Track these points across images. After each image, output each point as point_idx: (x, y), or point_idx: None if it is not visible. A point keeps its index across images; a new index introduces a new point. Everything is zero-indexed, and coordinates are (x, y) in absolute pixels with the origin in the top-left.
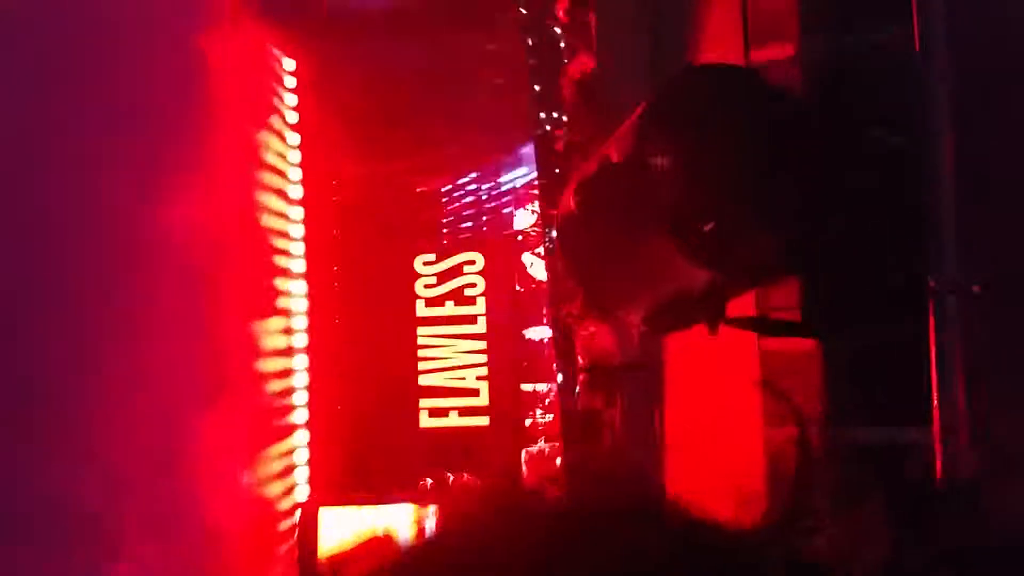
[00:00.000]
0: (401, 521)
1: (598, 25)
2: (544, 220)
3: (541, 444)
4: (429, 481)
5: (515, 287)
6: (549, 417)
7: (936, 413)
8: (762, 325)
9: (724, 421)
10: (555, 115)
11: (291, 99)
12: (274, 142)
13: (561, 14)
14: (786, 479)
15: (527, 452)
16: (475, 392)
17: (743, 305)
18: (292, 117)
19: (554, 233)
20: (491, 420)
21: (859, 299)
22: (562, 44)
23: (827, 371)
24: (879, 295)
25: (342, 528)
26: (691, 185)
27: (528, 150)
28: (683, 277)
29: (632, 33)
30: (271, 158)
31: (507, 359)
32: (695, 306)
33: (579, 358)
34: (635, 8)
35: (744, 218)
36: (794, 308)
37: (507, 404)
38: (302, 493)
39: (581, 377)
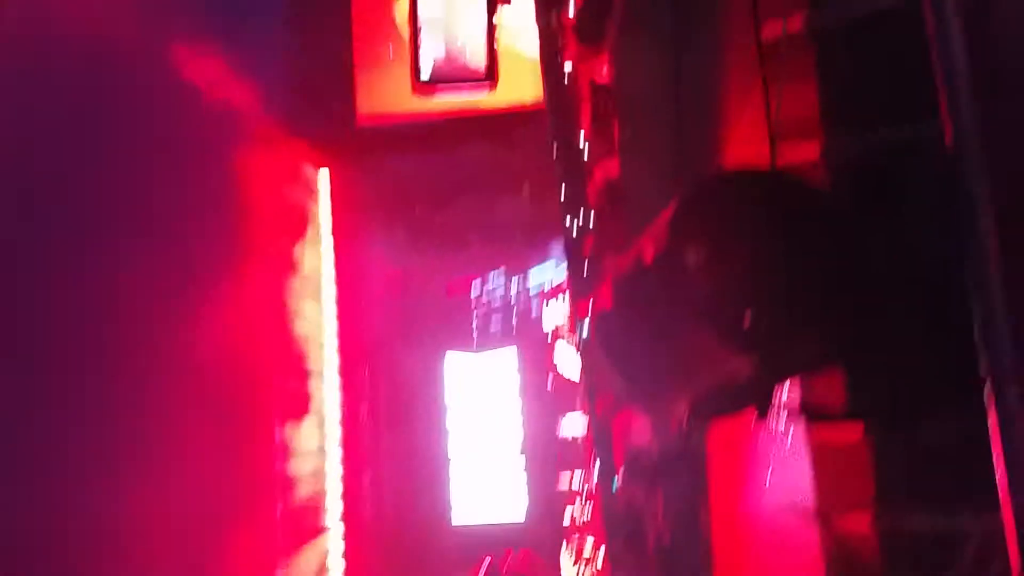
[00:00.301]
0: None
1: (621, 132)
2: (574, 318)
3: (580, 540)
4: None
5: (547, 385)
6: (587, 513)
7: (1009, 501)
8: (811, 412)
9: (774, 514)
10: (581, 218)
11: (324, 207)
12: (308, 248)
13: (585, 124)
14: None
15: (567, 546)
16: (509, 488)
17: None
18: (326, 224)
19: (586, 330)
20: (527, 516)
21: (910, 391)
22: (586, 152)
23: (877, 460)
24: (931, 389)
25: None
26: (725, 282)
27: (555, 251)
28: (725, 367)
29: (655, 137)
30: (306, 263)
31: (542, 455)
32: (741, 393)
33: (615, 452)
34: (657, 114)
35: (777, 314)
36: (838, 399)
37: (543, 500)
38: None
39: (620, 470)
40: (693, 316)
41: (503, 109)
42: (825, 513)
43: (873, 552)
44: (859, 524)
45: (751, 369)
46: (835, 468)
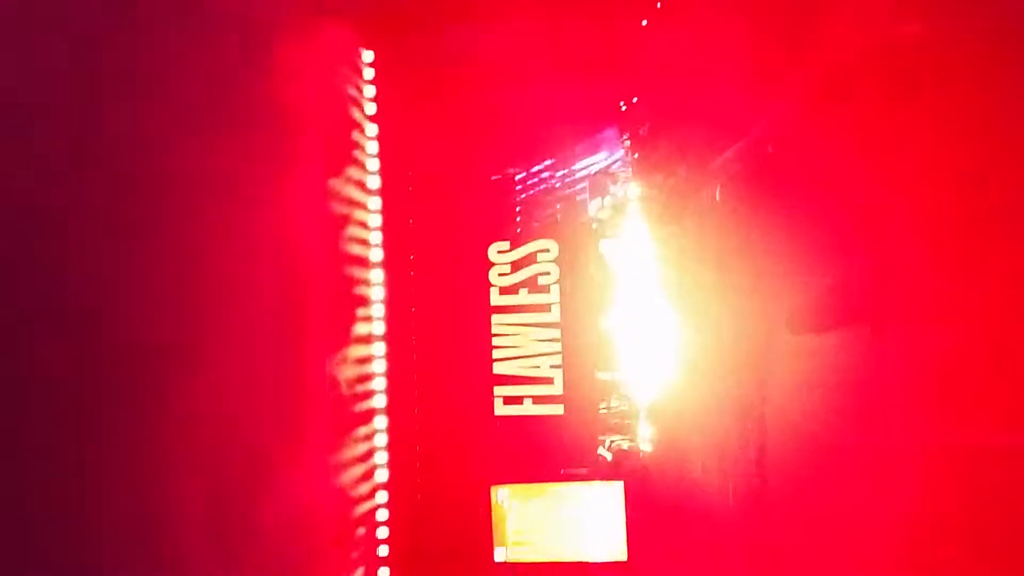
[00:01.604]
0: None
1: None
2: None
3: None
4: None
5: (590, 275)
6: (624, 407)
7: None
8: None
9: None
10: (635, 100)
11: (369, 90)
12: (354, 133)
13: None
14: None
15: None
16: (549, 380)
17: None
18: (370, 108)
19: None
20: (565, 409)
21: None
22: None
23: None
24: None
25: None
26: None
27: (606, 137)
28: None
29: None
30: (350, 150)
31: (581, 347)
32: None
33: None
34: None
35: None
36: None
37: (582, 393)
38: (382, 476)
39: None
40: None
41: None
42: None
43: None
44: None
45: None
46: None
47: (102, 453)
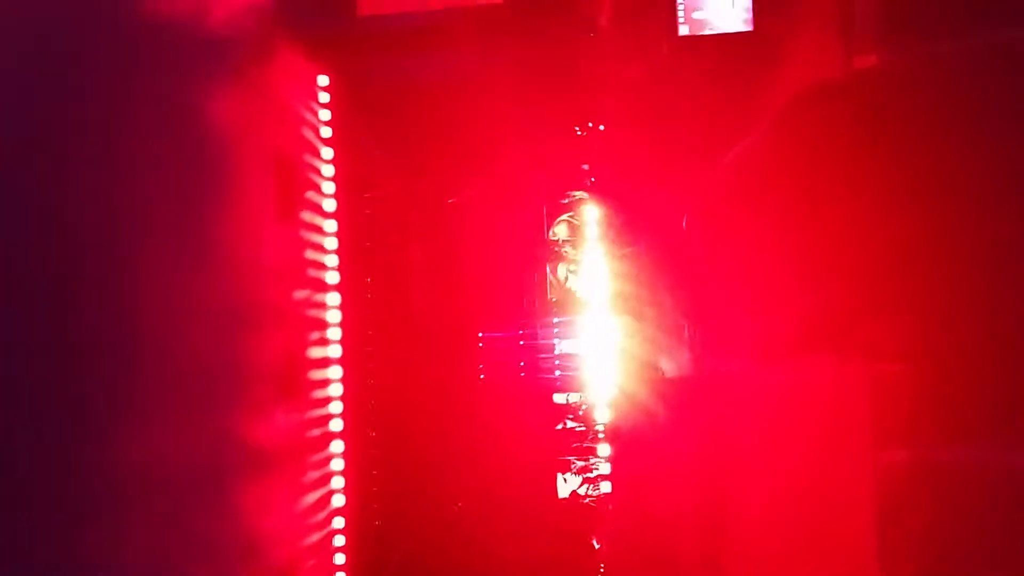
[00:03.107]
0: None
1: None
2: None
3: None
4: None
5: (547, 298)
6: (581, 428)
7: None
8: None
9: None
10: (591, 125)
11: (324, 114)
12: (308, 157)
13: (604, 23)
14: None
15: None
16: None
17: None
18: (326, 132)
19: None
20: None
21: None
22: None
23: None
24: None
25: None
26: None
27: (565, 161)
28: (808, 307)
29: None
30: (306, 172)
31: (540, 367)
32: (822, 334)
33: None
34: None
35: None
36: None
37: (541, 414)
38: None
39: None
40: (785, 241)
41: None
42: (876, 446)
43: (918, 484)
44: (905, 457)
45: (835, 305)
46: (886, 404)
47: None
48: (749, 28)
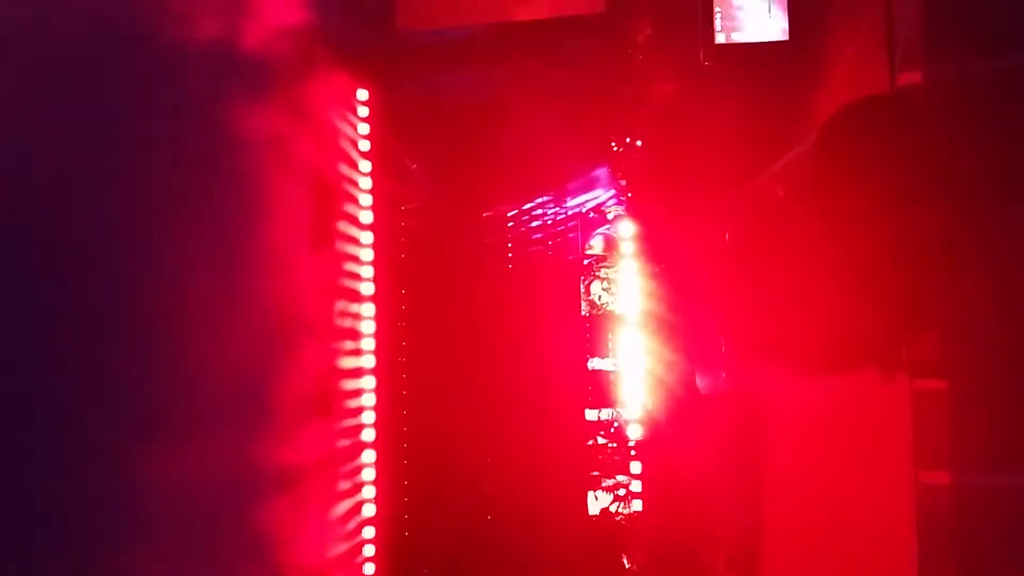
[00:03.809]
0: None
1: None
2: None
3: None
4: None
5: (580, 313)
6: (613, 444)
7: None
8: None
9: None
10: (628, 140)
11: (363, 128)
12: (346, 169)
13: (642, 39)
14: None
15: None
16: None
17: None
18: (364, 145)
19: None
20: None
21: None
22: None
23: (969, 418)
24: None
25: None
26: (868, 226)
27: (597, 175)
28: (856, 317)
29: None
30: (344, 185)
31: (572, 386)
32: (865, 346)
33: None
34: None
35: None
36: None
37: (572, 429)
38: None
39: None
40: (828, 255)
41: (555, 18)
42: (914, 467)
43: (957, 507)
44: (945, 479)
45: (879, 320)
46: (928, 423)
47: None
48: (785, 38)
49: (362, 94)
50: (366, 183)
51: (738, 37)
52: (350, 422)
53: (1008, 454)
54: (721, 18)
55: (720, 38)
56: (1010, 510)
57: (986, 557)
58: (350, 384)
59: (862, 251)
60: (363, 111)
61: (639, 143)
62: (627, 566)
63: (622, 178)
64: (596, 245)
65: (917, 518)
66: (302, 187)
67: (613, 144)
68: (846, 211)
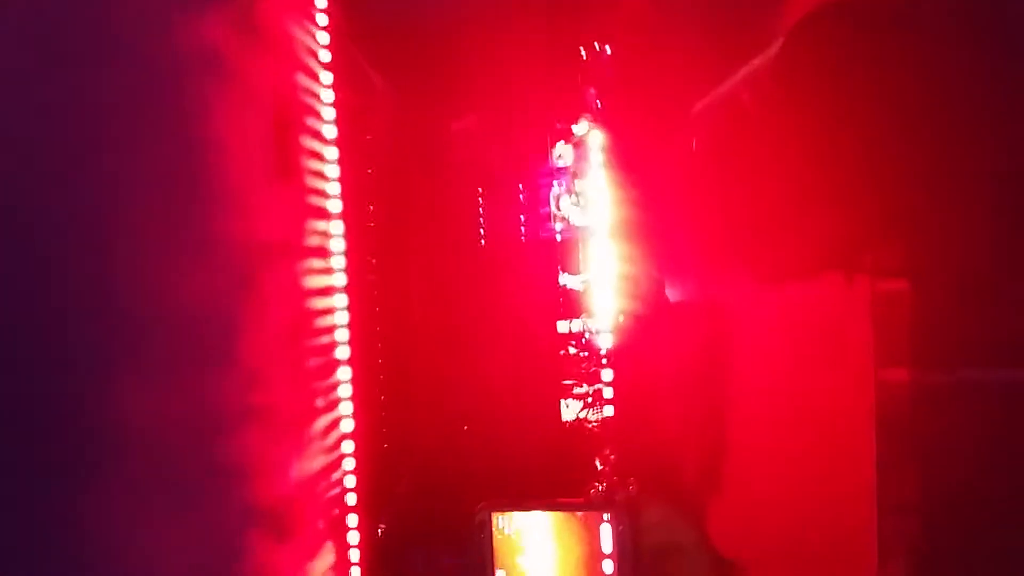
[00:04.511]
0: None
1: None
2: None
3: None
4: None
5: (550, 227)
6: (584, 354)
7: None
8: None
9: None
10: (597, 46)
11: (323, 37)
12: (307, 82)
13: None
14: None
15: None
16: None
17: None
18: (324, 56)
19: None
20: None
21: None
22: None
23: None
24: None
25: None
26: (834, 127)
27: (569, 83)
28: (820, 220)
29: None
30: (305, 99)
31: (544, 299)
32: (829, 248)
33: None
34: None
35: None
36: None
37: (545, 341)
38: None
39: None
40: (793, 163)
41: None
42: (877, 365)
43: (915, 403)
44: (904, 376)
45: (844, 226)
46: (888, 323)
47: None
48: None
49: (321, 1)
50: (328, 96)
51: None
52: (324, 340)
53: (963, 352)
54: None
55: None
56: (964, 406)
57: (940, 450)
58: (322, 303)
59: (826, 158)
60: (322, 19)
61: (608, 49)
62: (599, 467)
63: (592, 86)
64: (566, 155)
65: (876, 414)
66: (259, 104)
67: (582, 50)
68: (811, 117)
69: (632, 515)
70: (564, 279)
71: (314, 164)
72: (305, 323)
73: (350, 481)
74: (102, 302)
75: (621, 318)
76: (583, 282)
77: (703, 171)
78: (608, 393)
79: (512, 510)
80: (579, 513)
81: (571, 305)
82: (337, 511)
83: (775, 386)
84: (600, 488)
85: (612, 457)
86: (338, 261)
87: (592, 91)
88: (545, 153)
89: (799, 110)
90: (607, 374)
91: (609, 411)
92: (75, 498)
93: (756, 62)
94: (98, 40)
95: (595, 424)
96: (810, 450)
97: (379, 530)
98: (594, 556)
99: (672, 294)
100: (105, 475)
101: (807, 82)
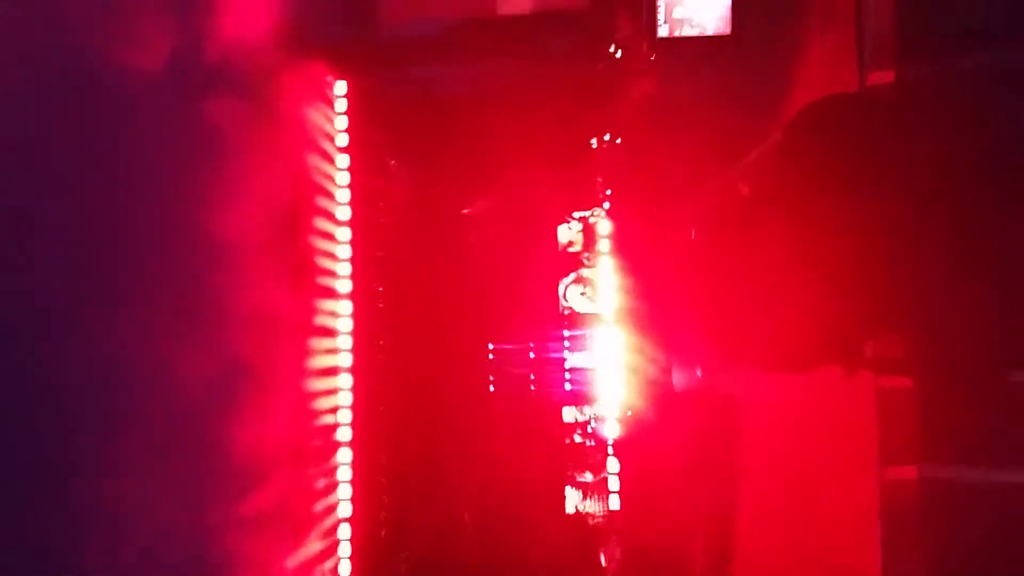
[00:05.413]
0: None
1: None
2: (587, 239)
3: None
4: None
5: (559, 310)
6: (591, 443)
7: None
8: (879, 365)
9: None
10: (608, 138)
11: (341, 122)
12: (323, 164)
13: (621, 38)
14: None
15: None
16: None
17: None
18: (342, 140)
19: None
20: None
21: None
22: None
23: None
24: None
25: None
26: (830, 223)
27: (578, 173)
28: (817, 313)
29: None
30: (320, 180)
31: (550, 381)
32: (828, 343)
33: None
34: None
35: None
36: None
37: (550, 428)
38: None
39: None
40: (793, 254)
41: (538, 12)
42: (880, 463)
43: (921, 503)
44: (910, 473)
45: (843, 318)
46: (893, 420)
47: None
48: (727, 31)
49: (340, 87)
50: (343, 178)
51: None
52: (326, 420)
53: (971, 450)
54: (665, 10)
55: (663, 31)
56: (973, 506)
57: (949, 552)
58: (326, 383)
59: (826, 249)
60: (341, 104)
61: (618, 141)
62: (604, 564)
63: (600, 175)
64: (576, 241)
65: (881, 513)
66: (277, 179)
67: (593, 141)
68: (810, 209)
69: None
70: (572, 360)
71: (326, 245)
72: (308, 401)
73: (345, 567)
74: (108, 370)
75: (628, 406)
76: (591, 363)
77: (702, 260)
78: (614, 484)
79: None
80: None
81: (579, 391)
82: None
83: (780, 481)
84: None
85: (617, 553)
86: (345, 342)
87: (600, 180)
88: (554, 239)
89: (798, 201)
90: (613, 464)
91: (615, 503)
92: None
93: (755, 153)
94: (115, 121)
95: (600, 517)
96: (815, 545)
97: None
98: None
99: (679, 383)
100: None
101: (806, 173)
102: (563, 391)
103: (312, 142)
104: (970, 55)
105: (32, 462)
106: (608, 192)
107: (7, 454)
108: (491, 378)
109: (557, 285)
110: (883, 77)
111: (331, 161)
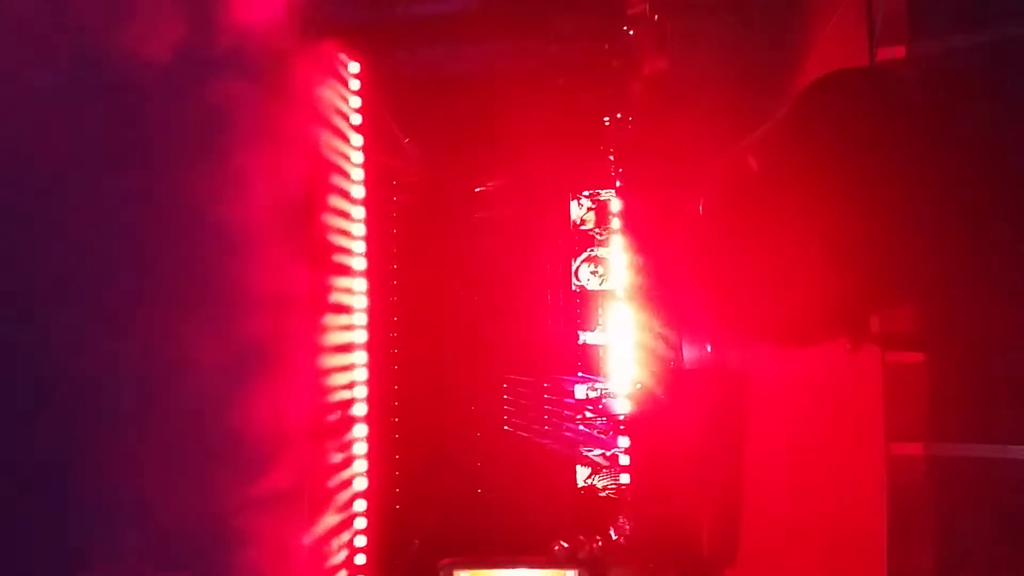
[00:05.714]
0: None
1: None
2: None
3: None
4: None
5: (571, 288)
6: (602, 419)
7: None
8: (888, 341)
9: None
10: (619, 115)
11: (355, 101)
12: (338, 144)
13: (632, 16)
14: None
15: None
16: None
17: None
18: (356, 119)
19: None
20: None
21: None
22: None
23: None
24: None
25: None
26: (840, 194)
27: (588, 152)
28: (825, 287)
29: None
30: (335, 159)
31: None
32: (835, 317)
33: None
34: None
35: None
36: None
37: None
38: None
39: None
40: (802, 228)
41: None
42: (888, 438)
43: (927, 478)
44: (916, 450)
45: (852, 292)
46: (900, 396)
47: None
48: None
49: (354, 67)
50: (357, 157)
51: None
52: (342, 396)
53: (977, 426)
54: None
55: None
56: (978, 481)
57: (954, 527)
58: (342, 359)
59: (835, 223)
60: (355, 84)
61: (630, 119)
62: (614, 537)
63: (612, 153)
64: (588, 219)
65: (888, 489)
66: (291, 163)
67: (606, 119)
68: (819, 183)
69: (597, 572)
70: (584, 337)
71: (341, 222)
72: (324, 377)
73: (360, 540)
74: (129, 351)
75: (638, 383)
76: (602, 339)
77: (711, 235)
78: (624, 460)
79: (477, 567)
80: (544, 570)
81: (590, 366)
82: (346, 573)
83: (787, 456)
84: (564, 545)
85: (627, 526)
86: (360, 318)
87: (612, 157)
88: (567, 217)
89: (806, 176)
90: (623, 440)
91: (625, 478)
92: None
93: (763, 128)
94: (131, 105)
95: (610, 490)
96: (821, 521)
97: None
98: None
99: (689, 359)
100: None
101: (816, 145)
102: (575, 367)
103: (326, 122)
104: (979, 32)
105: (58, 445)
106: (620, 170)
107: (42, 435)
108: (504, 353)
109: (569, 263)
110: (893, 53)
111: (346, 140)
